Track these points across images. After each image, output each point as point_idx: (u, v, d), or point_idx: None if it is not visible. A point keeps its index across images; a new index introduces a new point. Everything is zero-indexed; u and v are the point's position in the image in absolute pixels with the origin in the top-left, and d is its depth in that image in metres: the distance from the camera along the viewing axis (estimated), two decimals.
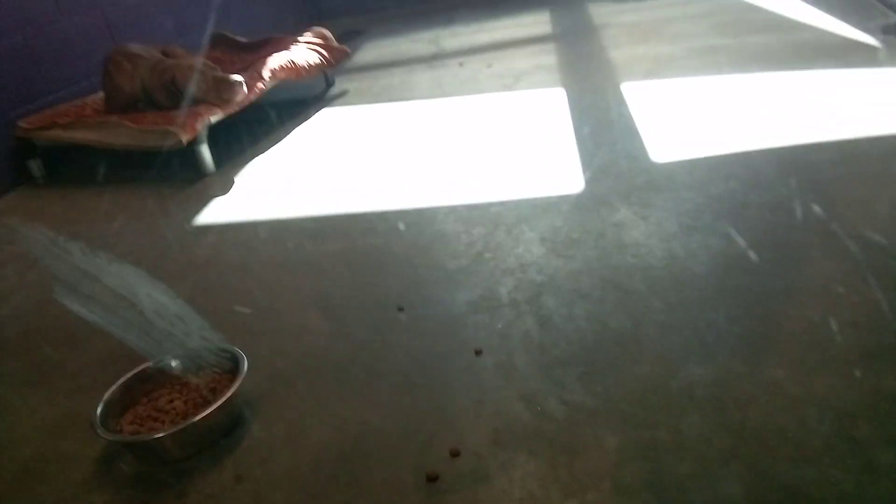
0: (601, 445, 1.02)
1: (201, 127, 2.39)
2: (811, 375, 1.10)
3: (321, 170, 2.41)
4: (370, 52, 4.24)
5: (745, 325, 1.25)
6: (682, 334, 1.25)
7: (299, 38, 3.19)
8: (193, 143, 2.41)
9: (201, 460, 1.12)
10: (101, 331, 1.57)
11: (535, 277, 1.52)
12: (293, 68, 2.94)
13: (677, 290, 1.38)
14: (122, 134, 2.44)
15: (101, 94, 2.77)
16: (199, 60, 2.55)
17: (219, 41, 3.44)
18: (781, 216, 1.60)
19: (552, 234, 1.69)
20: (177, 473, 1.10)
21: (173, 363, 1.28)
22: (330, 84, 3.49)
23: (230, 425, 1.18)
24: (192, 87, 2.48)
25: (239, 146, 2.76)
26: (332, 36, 3.33)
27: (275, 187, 2.31)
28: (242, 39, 3.42)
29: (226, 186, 2.37)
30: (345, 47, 3.37)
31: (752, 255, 1.47)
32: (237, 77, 2.54)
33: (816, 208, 1.61)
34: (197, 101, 2.49)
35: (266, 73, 2.76)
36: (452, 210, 1.92)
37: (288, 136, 2.82)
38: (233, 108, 2.56)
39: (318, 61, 3.12)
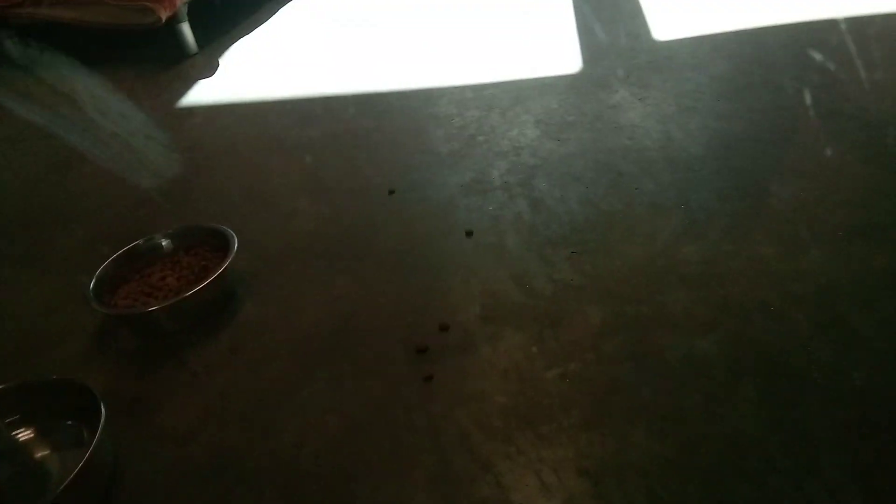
0: (586, 319, 1.04)
1: (181, 3, 2.26)
2: (798, 252, 1.10)
3: (310, 50, 2.31)
4: None
5: (736, 204, 1.24)
6: (673, 215, 1.24)
7: None
8: (174, 21, 2.29)
9: (196, 334, 1.14)
10: (89, 211, 1.56)
11: (529, 160, 1.49)
12: None
13: (671, 171, 1.36)
14: (99, 11, 2.32)
15: None
16: None
17: None
18: (783, 96, 1.56)
19: (547, 117, 1.65)
20: (173, 346, 1.13)
21: (164, 242, 1.28)
22: None
23: (223, 301, 1.19)
24: None
25: (223, 26, 2.63)
26: None
27: (262, 68, 2.22)
28: None
29: (211, 67, 2.28)
30: None
31: (750, 135, 1.43)
32: None
33: (820, 88, 1.56)
34: None
35: None
36: (446, 92, 1.86)
37: (276, 15, 2.68)
38: None
39: None
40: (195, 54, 2.40)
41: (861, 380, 0.88)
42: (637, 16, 2.11)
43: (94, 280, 1.16)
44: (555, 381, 0.95)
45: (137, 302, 1.17)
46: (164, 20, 2.22)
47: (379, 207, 1.42)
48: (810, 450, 0.80)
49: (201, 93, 2.10)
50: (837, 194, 1.22)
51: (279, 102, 1.96)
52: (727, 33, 1.89)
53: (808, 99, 1.53)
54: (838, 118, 1.44)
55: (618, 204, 1.30)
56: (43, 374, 1.10)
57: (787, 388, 0.88)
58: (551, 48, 2.01)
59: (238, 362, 1.08)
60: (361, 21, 2.50)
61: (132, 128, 1.95)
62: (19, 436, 0.98)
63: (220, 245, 1.24)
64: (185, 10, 2.32)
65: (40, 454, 0.96)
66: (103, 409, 0.89)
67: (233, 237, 1.22)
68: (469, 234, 1.29)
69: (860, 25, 1.81)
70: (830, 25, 1.83)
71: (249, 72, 2.21)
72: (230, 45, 2.45)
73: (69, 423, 0.97)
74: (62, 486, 0.79)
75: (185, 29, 2.35)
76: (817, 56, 1.70)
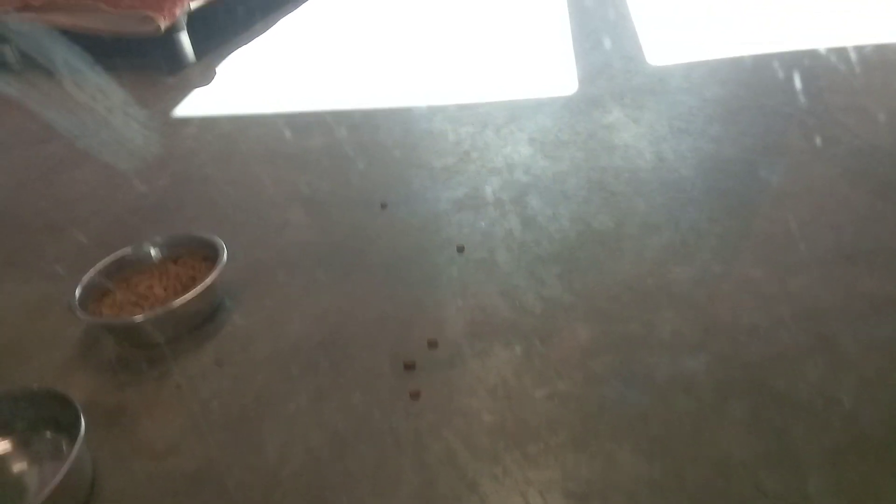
0: (575, 337, 1.04)
1: (180, 12, 2.27)
2: (787, 276, 1.10)
3: (307, 63, 2.32)
4: None
5: (726, 226, 1.25)
6: (663, 235, 1.24)
7: None
8: (173, 31, 2.30)
9: (182, 344, 1.13)
10: (79, 219, 1.55)
11: (522, 178, 1.49)
12: None
13: (663, 192, 1.37)
14: (98, 19, 2.32)
15: None
16: None
17: None
18: (774, 121, 1.57)
19: (541, 135, 1.66)
20: (158, 356, 1.11)
21: (152, 250, 1.27)
22: None
23: (210, 312, 1.18)
24: None
25: (221, 36, 2.64)
26: None
27: (258, 80, 2.22)
28: None
29: (207, 77, 2.28)
30: None
31: (741, 158, 1.44)
32: None
33: (810, 114, 1.57)
34: None
35: None
36: (441, 109, 1.87)
37: (274, 27, 2.70)
38: None
39: None
40: (193, 64, 2.40)
41: (850, 403, 0.88)
42: (632, 39, 2.13)
43: (79, 288, 1.15)
44: (543, 400, 0.94)
45: (123, 311, 1.15)
46: (163, 29, 2.22)
47: (371, 221, 1.41)
48: (799, 474, 0.80)
49: (197, 102, 2.10)
50: (826, 218, 1.23)
51: (275, 114, 1.97)
52: (720, 59, 1.91)
53: (798, 124, 1.55)
54: (828, 143, 1.45)
55: (609, 223, 1.30)
56: (23, 382, 1.09)
57: (775, 410, 0.88)
58: (547, 68, 2.02)
59: (222, 374, 1.07)
60: (358, 36, 2.52)
61: (126, 135, 1.95)
62: None
63: (210, 255, 1.23)
64: (184, 20, 2.32)
65: (18, 467, 0.94)
66: (83, 421, 0.87)
67: (222, 247, 1.21)
68: (460, 249, 1.29)
69: (849, 55, 1.83)
70: (821, 55, 1.85)
71: (246, 83, 2.21)
72: (227, 56, 2.45)
73: (48, 434, 0.96)
74: (39, 501, 0.78)
75: (184, 38, 2.36)
76: (808, 83, 1.72)
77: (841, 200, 1.27)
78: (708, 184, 1.38)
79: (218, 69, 2.34)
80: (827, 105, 1.60)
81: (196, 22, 2.44)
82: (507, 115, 1.77)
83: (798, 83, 1.73)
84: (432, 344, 1.07)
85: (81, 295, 1.15)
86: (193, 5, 2.35)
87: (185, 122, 1.99)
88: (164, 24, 2.21)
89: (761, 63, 1.85)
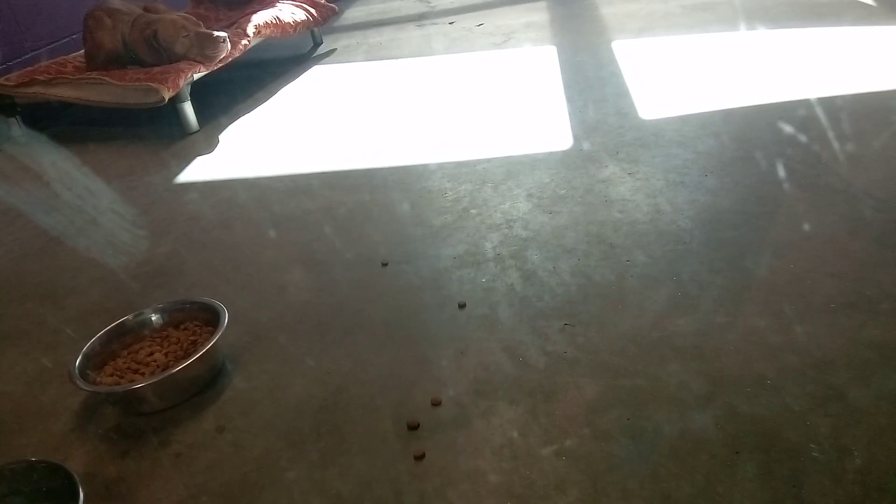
0: (581, 394, 1.02)
1: (184, 83, 2.34)
2: (792, 325, 1.10)
3: (308, 129, 2.37)
4: (359, 9, 4.15)
5: (727, 276, 1.25)
6: (664, 287, 1.24)
7: None
8: (176, 101, 2.36)
9: (183, 411, 1.12)
10: (81, 287, 1.56)
11: (521, 233, 1.50)
12: (279, 25, 2.87)
13: (662, 244, 1.38)
14: (103, 91, 2.39)
15: (83, 52, 2.71)
16: (181, 16, 2.49)
17: None
18: (769, 171, 1.59)
19: (539, 191, 1.68)
20: (158, 424, 1.10)
21: (153, 317, 1.27)
22: (318, 43, 3.42)
23: (211, 377, 1.17)
24: (175, 43, 2.42)
25: (224, 105, 2.71)
26: None
27: (260, 146, 2.27)
28: None
29: (210, 145, 2.33)
30: (332, 5, 3.30)
31: (738, 209, 1.46)
32: (221, 33, 2.48)
33: (804, 164, 1.59)
34: (180, 58, 2.43)
35: (250, 30, 2.70)
36: (440, 167, 1.90)
37: (275, 95, 2.77)
38: (216, 65, 2.51)
39: (304, 18, 3.05)
40: (196, 132, 2.46)
41: (862, 457, 0.86)
42: (624, 96, 2.18)
43: (79, 357, 1.14)
44: (550, 459, 0.92)
45: (124, 378, 1.14)
46: (166, 99, 2.28)
47: (372, 280, 1.42)
48: None
49: (200, 169, 2.14)
50: (827, 266, 1.23)
51: (276, 178, 2.00)
52: (711, 112, 1.95)
53: (793, 174, 1.57)
54: (824, 192, 1.47)
55: (610, 276, 1.30)
56: (23, 454, 1.07)
57: (787, 465, 0.86)
58: (542, 125, 2.07)
59: (223, 441, 1.05)
60: (357, 102, 2.58)
61: (128, 204, 1.97)
62: None
63: (211, 319, 1.23)
64: (187, 90, 2.39)
65: None
66: (81, 494, 0.85)
67: (223, 311, 1.21)
68: (462, 306, 1.29)
69: (842, 105, 1.87)
70: (813, 105, 1.89)
71: (248, 149, 2.26)
72: (230, 124, 2.51)
73: None
74: None
75: (187, 108, 2.42)
76: (802, 134, 1.75)
77: (840, 248, 1.27)
78: (706, 235, 1.38)
79: (221, 137, 2.39)
80: (819, 155, 1.63)
81: (199, 91, 2.51)
82: (505, 172, 1.80)
83: (789, 134, 1.76)
84: (436, 403, 1.05)
85: (81, 363, 1.14)
86: (197, 76, 2.42)
87: (188, 188, 2.02)
88: (167, 95, 2.28)
89: (752, 114, 1.89)
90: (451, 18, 3.53)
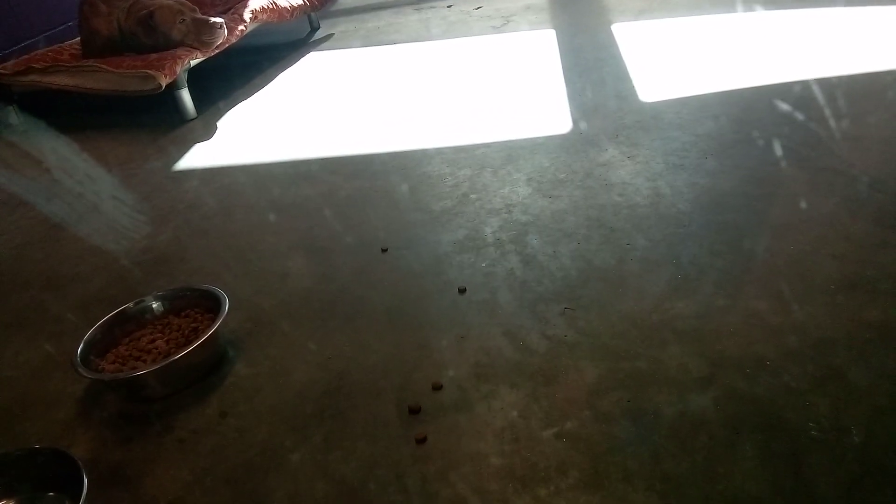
0: (581, 376, 1.03)
1: (181, 70, 2.33)
2: (792, 306, 1.10)
3: (306, 114, 2.36)
4: None
5: (727, 259, 1.25)
6: (664, 270, 1.25)
7: None
8: (173, 88, 2.35)
9: (186, 397, 1.12)
10: (83, 275, 1.56)
11: (521, 217, 1.50)
12: (275, 10, 2.85)
13: (662, 227, 1.38)
14: (100, 79, 2.38)
15: (79, 39, 2.69)
16: (177, 1, 2.47)
17: None
18: (769, 153, 1.59)
19: (539, 175, 1.67)
20: (161, 410, 1.10)
21: (154, 304, 1.27)
22: (315, 28, 3.40)
23: (213, 363, 1.18)
24: (172, 29, 2.40)
25: (222, 91, 2.69)
26: None
27: (259, 132, 2.26)
28: None
29: (208, 132, 2.32)
30: None
31: (738, 191, 1.45)
32: (217, 18, 2.46)
33: (805, 145, 1.59)
34: (176, 44, 2.42)
35: (247, 15, 2.68)
36: (439, 152, 1.89)
37: (273, 81, 2.76)
38: (213, 51, 2.49)
39: (301, 3, 3.03)
40: (194, 119, 2.45)
41: (861, 435, 0.86)
42: (624, 79, 2.17)
43: (81, 345, 1.15)
44: (551, 441, 0.93)
45: (126, 366, 1.15)
46: (164, 87, 2.27)
47: (372, 266, 1.42)
48: None
49: (199, 156, 2.14)
50: (827, 247, 1.23)
51: (275, 165, 1.99)
52: (711, 94, 1.94)
53: (793, 155, 1.56)
54: (825, 173, 1.47)
55: (610, 259, 1.30)
56: (27, 442, 1.08)
57: (787, 444, 0.87)
58: (541, 109, 2.06)
59: (227, 426, 1.06)
60: (356, 87, 2.57)
61: (128, 191, 1.97)
62: None
63: (212, 306, 1.23)
64: (184, 77, 2.38)
65: None
66: (85, 480, 0.86)
67: (224, 298, 1.21)
68: (462, 291, 1.29)
69: (839, 85, 1.86)
70: (811, 86, 1.88)
71: (246, 135, 2.25)
72: (228, 110, 2.50)
73: (51, 494, 0.94)
74: None
75: (185, 95, 2.41)
76: (801, 115, 1.74)
77: (840, 229, 1.27)
78: (706, 218, 1.38)
79: (219, 123, 2.38)
80: (819, 136, 1.62)
81: (197, 78, 2.50)
82: (504, 157, 1.80)
83: (788, 115, 1.75)
84: (437, 387, 1.06)
85: (84, 351, 1.14)
86: (194, 62, 2.41)
87: (187, 175, 2.01)
88: (165, 82, 2.26)
89: (751, 96, 1.89)
90: (450, 2, 3.50)
